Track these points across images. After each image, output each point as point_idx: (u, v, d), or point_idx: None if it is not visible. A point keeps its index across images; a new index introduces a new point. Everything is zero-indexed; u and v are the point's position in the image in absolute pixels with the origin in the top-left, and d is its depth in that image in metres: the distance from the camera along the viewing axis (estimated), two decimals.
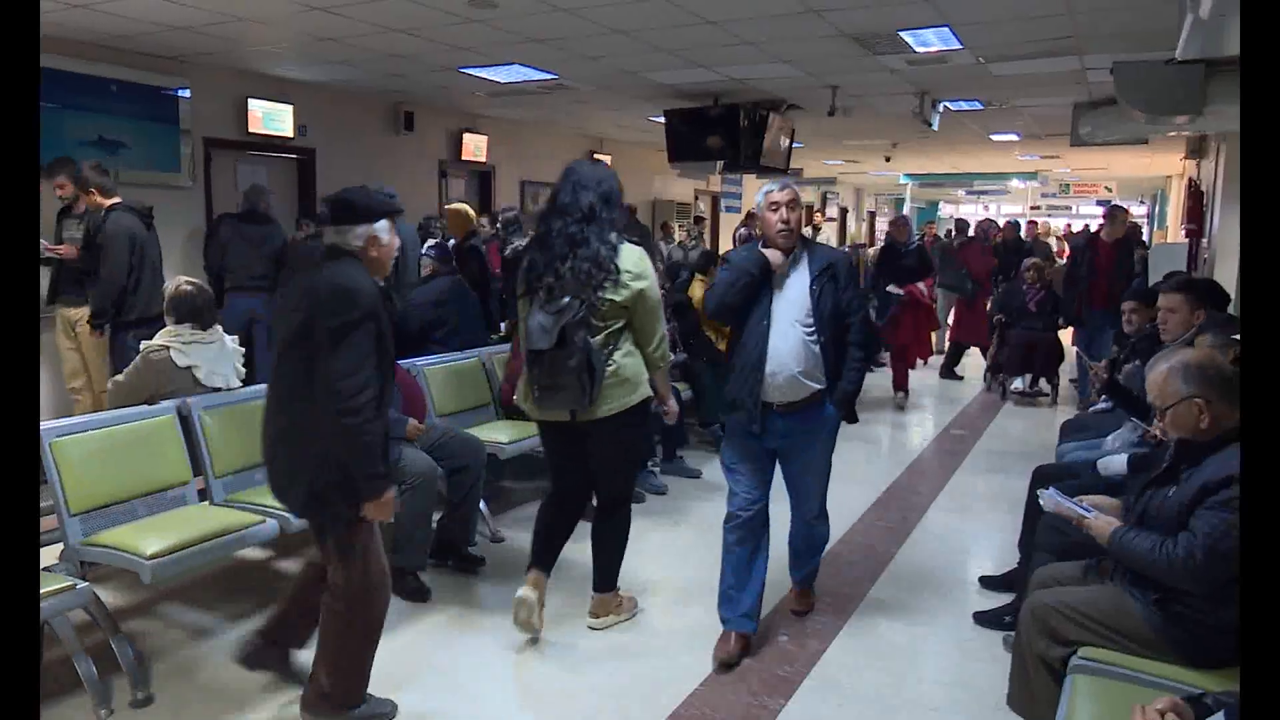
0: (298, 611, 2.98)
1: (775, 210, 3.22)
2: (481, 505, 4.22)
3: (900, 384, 8.04)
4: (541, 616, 3.33)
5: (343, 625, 2.67)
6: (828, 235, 13.58)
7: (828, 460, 3.41)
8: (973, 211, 23.68)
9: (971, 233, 11.06)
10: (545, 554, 3.39)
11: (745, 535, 3.30)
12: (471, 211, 6.92)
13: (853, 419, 3.37)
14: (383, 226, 2.64)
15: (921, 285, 7.90)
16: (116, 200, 5.21)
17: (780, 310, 3.20)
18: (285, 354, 2.57)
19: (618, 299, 3.11)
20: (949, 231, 12.72)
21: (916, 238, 8.99)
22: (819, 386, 3.21)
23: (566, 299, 3.06)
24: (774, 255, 3.20)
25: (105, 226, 5.09)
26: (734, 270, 3.25)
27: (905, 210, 21.37)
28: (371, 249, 2.62)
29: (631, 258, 3.15)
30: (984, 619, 3.57)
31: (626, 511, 3.46)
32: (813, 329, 3.18)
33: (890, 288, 7.79)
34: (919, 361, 8.50)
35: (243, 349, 4.11)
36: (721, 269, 3.44)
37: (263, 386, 4.12)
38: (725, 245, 13.07)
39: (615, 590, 3.54)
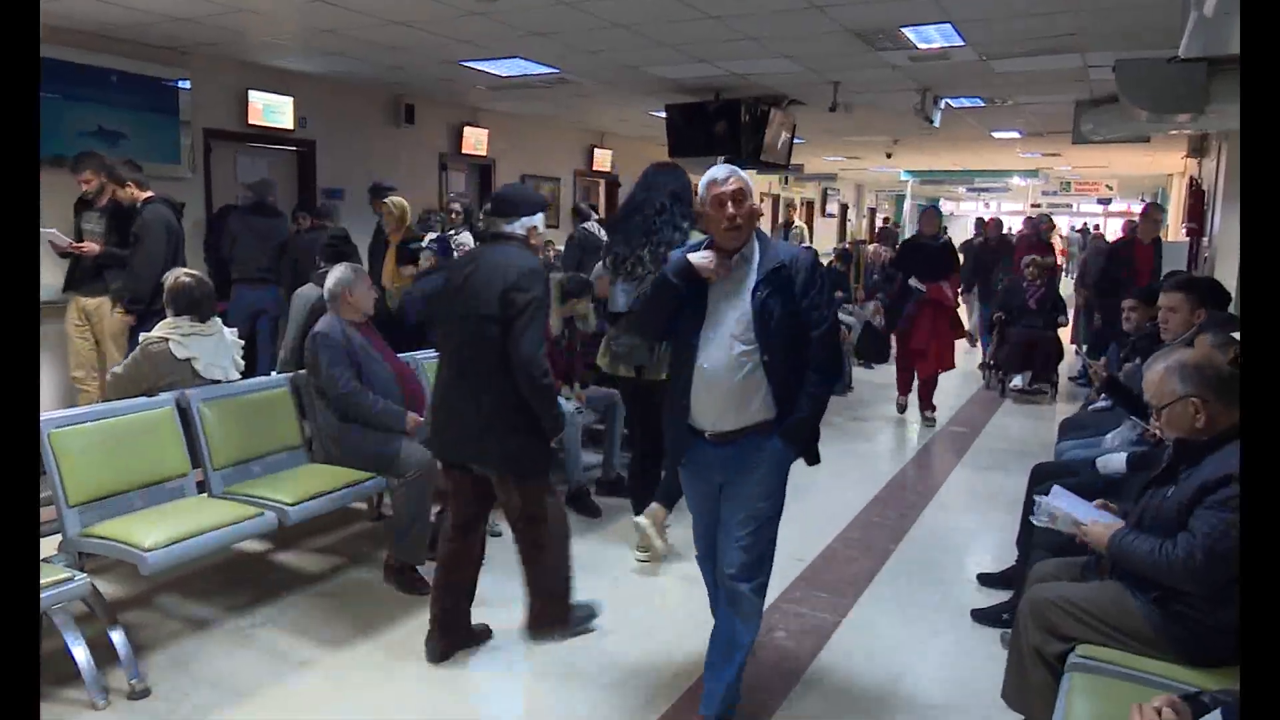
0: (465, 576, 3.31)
1: (721, 205, 2.61)
2: None
3: (905, 387, 7.27)
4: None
5: (543, 551, 3.14)
6: (799, 228, 13.24)
7: (769, 505, 2.66)
8: (973, 209, 23.72)
9: (1019, 229, 10.89)
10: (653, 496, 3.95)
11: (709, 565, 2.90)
12: (408, 207, 6.08)
13: (812, 458, 2.75)
14: (540, 218, 3.16)
15: (946, 286, 6.88)
16: (150, 194, 5.33)
17: (715, 322, 2.62)
18: (483, 328, 2.93)
19: None
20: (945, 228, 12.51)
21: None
22: (761, 419, 2.61)
23: (646, 274, 3.67)
24: (703, 260, 2.60)
25: (144, 217, 5.21)
26: (656, 278, 2.75)
27: (905, 207, 21.35)
28: (531, 236, 3.13)
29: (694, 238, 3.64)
30: (982, 616, 3.58)
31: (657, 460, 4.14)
32: (753, 346, 2.57)
33: (912, 281, 6.93)
34: (939, 372, 7.17)
35: (243, 341, 4.11)
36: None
37: (262, 379, 4.17)
38: None
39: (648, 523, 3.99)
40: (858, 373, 9.05)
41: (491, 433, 2.96)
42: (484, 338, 2.92)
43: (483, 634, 3.34)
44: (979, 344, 10.21)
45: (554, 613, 3.22)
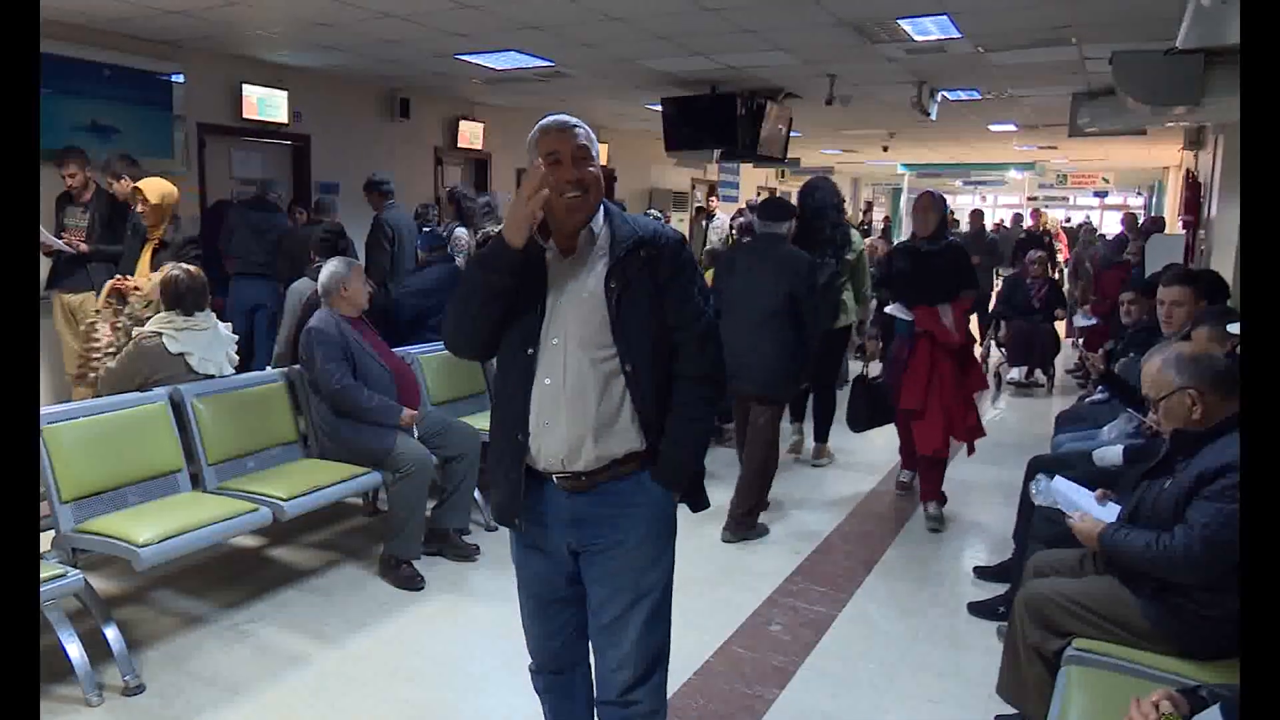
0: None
1: (557, 164, 1.89)
2: (476, 494, 4.22)
3: (909, 459, 5.00)
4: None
5: (760, 469, 4.38)
6: (721, 221, 10.38)
7: (657, 575, 2.00)
8: (969, 202, 23.67)
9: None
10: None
11: (552, 686, 2.20)
12: (173, 193, 4.92)
13: (699, 503, 2.10)
14: (794, 222, 4.54)
15: (948, 311, 4.44)
16: None
17: (559, 323, 1.93)
18: (781, 307, 4.19)
19: (849, 259, 5.32)
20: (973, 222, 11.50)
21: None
22: (629, 449, 1.95)
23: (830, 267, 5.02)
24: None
25: None
26: (467, 274, 2.02)
27: (902, 202, 21.22)
28: (788, 234, 4.45)
29: (852, 236, 5.45)
30: (978, 609, 3.58)
31: (833, 394, 5.70)
32: (610, 351, 1.92)
33: (891, 308, 4.65)
34: (953, 442, 4.65)
35: (236, 336, 4.09)
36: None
37: (257, 374, 4.16)
38: None
39: (826, 445, 5.73)
40: (854, 366, 9.02)
41: (770, 370, 4.22)
42: (784, 315, 4.18)
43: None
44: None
45: (749, 521, 4.33)
